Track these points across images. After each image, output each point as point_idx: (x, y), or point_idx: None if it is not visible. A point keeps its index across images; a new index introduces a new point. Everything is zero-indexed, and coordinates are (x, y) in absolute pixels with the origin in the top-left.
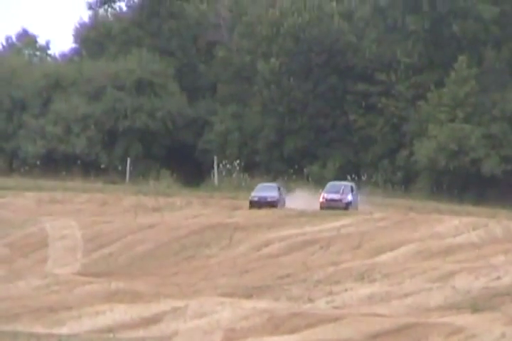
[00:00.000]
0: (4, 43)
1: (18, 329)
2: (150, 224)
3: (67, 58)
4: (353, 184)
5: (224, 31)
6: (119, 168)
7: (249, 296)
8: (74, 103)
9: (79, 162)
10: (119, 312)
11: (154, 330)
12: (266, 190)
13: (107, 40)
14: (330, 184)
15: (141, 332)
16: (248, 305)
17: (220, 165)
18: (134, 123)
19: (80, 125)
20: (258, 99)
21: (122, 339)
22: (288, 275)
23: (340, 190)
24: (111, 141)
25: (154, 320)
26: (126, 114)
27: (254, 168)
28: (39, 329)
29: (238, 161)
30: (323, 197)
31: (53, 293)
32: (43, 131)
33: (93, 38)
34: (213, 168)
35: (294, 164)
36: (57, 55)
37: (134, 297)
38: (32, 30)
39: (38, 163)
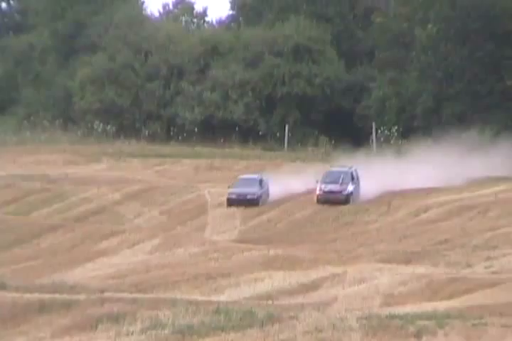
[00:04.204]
0: (161, 10)
1: (177, 297)
2: (309, 190)
3: (224, 25)
4: (354, 169)
5: None
6: (277, 134)
7: (407, 262)
8: (231, 69)
9: (237, 128)
10: (278, 279)
11: (313, 296)
12: (245, 184)
13: (264, 7)
14: (327, 172)
15: (300, 299)
16: (407, 270)
17: (379, 131)
18: (292, 90)
19: (237, 91)
20: (416, 65)
21: (281, 306)
22: (446, 241)
23: (340, 178)
24: (269, 108)
25: (313, 286)
26: (283, 80)
27: (412, 133)
28: (197, 296)
29: (396, 127)
30: (320, 189)
31: (212, 260)
32: (200, 97)
33: (250, 5)
34: (372, 133)
35: (451, 130)
36: (214, 21)
37: (293, 263)
38: None
39: (196, 129)
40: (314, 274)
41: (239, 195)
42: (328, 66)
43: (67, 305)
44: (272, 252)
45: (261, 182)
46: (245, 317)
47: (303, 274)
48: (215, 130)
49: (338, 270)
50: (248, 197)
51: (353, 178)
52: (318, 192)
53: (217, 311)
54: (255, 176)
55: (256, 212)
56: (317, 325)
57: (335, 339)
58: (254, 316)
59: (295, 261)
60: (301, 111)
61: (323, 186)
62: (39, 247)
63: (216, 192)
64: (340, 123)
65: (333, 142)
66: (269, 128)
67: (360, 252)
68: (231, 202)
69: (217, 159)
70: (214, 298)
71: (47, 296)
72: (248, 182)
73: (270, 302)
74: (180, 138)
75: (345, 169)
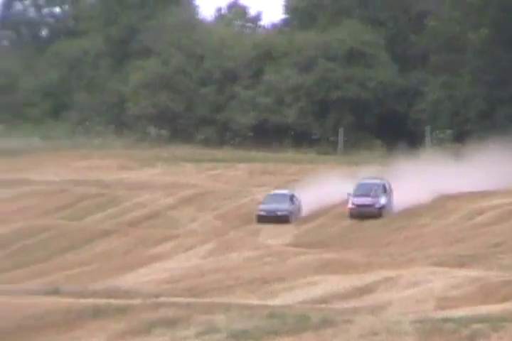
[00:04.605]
0: (215, 14)
1: (231, 301)
2: None
3: (277, 29)
4: (386, 181)
5: (434, 1)
6: (331, 138)
7: (461, 265)
8: (285, 73)
9: (291, 133)
10: (332, 283)
11: (367, 300)
12: (276, 200)
13: (317, 11)
14: (359, 184)
15: (354, 302)
16: (460, 273)
17: (432, 135)
18: (346, 94)
19: (291, 95)
20: (468, 69)
21: (335, 310)
22: (500, 244)
23: (371, 191)
24: (322, 112)
25: (367, 290)
26: (337, 84)
27: (466, 137)
28: (252, 300)
29: (450, 130)
30: (352, 203)
31: (266, 265)
32: (254, 102)
33: (303, 9)
34: (425, 137)
35: (505, 133)
36: (267, 25)
37: (347, 267)
38: (242, 1)
39: (250, 134)
40: (368, 278)
41: (269, 211)
42: (381, 70)
43: (122, 310)
44: (325, 256)
45: (292, 198)
46: (300, 321)
47: (357, 278)
48: (269, 134)
49: (392, 273)
50: (278, 213)
51: (386, 190)
52: (350, 206)
53: (271, 315)
54: (286, 192)
55: (310, 216)
56: (371, 328)
57: None
58: (309, 320)
59: (349, 265)
60: (354, 115)
61: (355, 199)
62: (92, 252)
63: None
64: (393, 127)
65: (386, 146)
66: (323, 132)
67: (414, 256)
68: (260, 219)
69: (270, 163)
70: (268, 302)
71: (101, 301)
72: (279, 198)
73: (324, 306)
74: (234, 142)
75: (377, 181)
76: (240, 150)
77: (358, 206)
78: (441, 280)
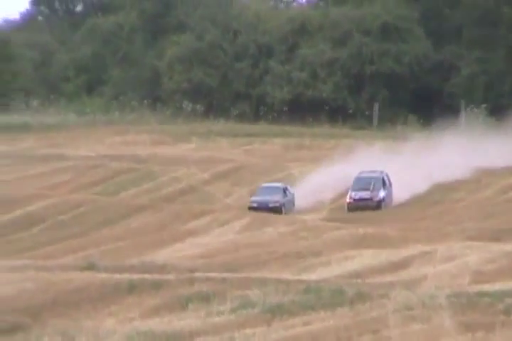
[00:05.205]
0: None
1: (267, 276)
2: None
3: (312, 3)
4: (385, 174)
5: None
6: (366, 113)
7: (496, 239)
8: (320, 48)
9: (326, 107)
10: (368, 257)
11: (403, 275)
12: (268, 192)
13: None
14: (357, 178)
15: (389, 277)
16: (496, 248)
17: (467, 109)
18: (380, 68)
19: (326, 70)
20: (503, 43)
21: (371, 284)
22: None
23: (370, 185)
24: (357, 86)
25: (403, 264)
26: (372, 58)
27: (500, 111)
28: (287, 275)
29: (485, 105)
30: (350, 197)
31: (301, 239)
32: (289, 76)
33: None
34: (460, 112)
35: None
36: (303, 0)
37: (382, 242)
38: None
39: (285, 108)
40: (404, 252)
41: (260, 203)
42: (416, 44)
43: (157, 286)
44: (361, 231)
45: (285, 190)
46: (335, 296)
47: (392, 252)
48: (304, 109)
49: (428, 248)
50: (270, 205)
51: (385, 183)
52: (348, 200)
53: (307, 290)
54: (279, 184)
55: (345, 192)
56: (407, 303)
57: (425, 317)
58: (344, 295)
59: (384, 239)
60: (389, 90)
61: (353, 194)
62: (128, 227)
63: (306, 171)
64: (428, 102)
65: (421, 121)
66: (358, 106)
67: (449, 230)
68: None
69: (306, 138)
70: (304, 276)
71: (136, 276)
72: (271, 190)
73: (360, 280)
74: (269, 117)
75: (376, 174)
76: (275, 125)
77: (356, 200)
78: (476, 255)
